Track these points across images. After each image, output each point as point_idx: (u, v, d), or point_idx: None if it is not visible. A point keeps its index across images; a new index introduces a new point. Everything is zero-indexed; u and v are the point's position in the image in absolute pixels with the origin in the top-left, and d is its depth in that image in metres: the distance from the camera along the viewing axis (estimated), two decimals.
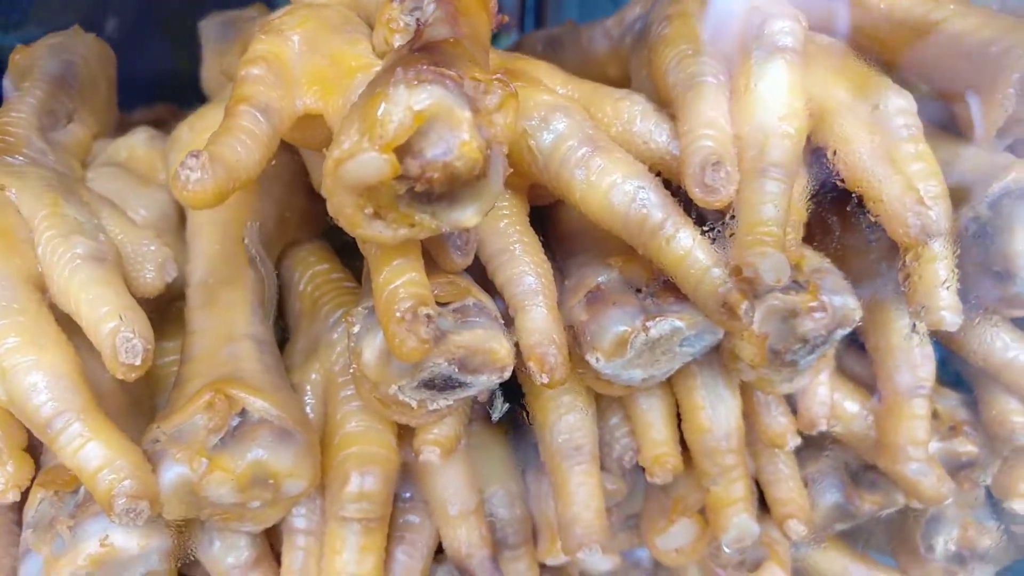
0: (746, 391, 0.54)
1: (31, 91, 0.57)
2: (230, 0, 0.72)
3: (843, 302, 0.47)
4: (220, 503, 0.43)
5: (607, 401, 0.53)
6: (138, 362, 0.41)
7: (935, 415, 0.59)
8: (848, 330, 0.48)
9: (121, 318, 0.41)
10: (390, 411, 0.46)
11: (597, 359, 0.45)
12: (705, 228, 0.42)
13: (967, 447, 0.59)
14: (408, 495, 0.52)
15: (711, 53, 0.46)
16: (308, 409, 0.49)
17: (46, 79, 0.58)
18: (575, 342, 0.46)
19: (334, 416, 0.48)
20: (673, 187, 0.44)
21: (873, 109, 0.46)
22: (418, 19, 0.42)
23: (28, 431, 0.42)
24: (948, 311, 0.47)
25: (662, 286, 0.46)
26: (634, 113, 0.47)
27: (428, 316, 0.38)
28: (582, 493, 0.49)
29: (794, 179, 0.43)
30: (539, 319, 0.44)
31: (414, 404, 0.44)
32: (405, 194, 0.35)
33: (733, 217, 0.42)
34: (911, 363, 0.53)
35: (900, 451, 0.53)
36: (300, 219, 0.58)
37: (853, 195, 0.47)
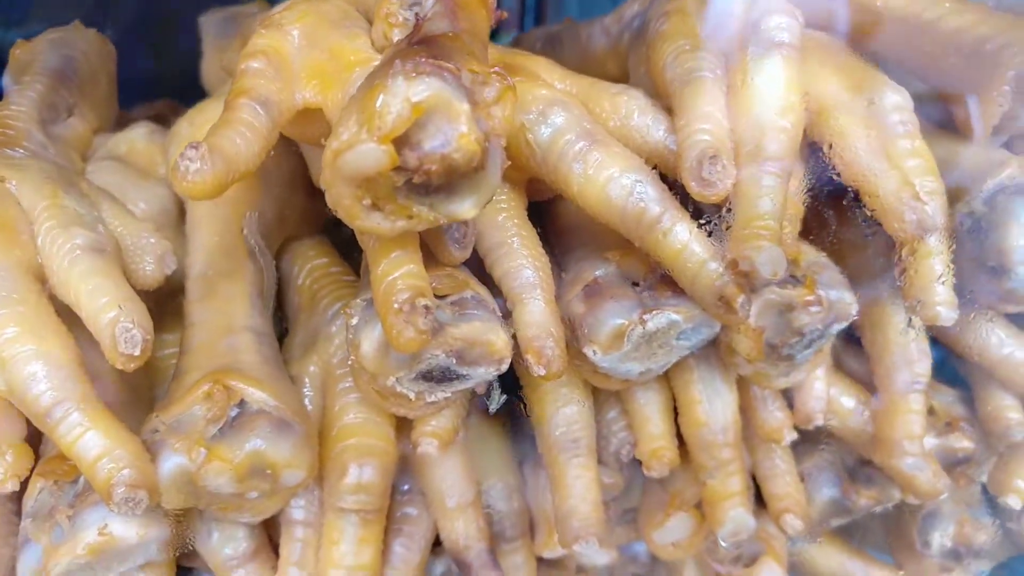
0: (743, 386, 0.54)
1: (31, 85, 0.57)
2: None
3: (839, 296, 0.47)
4: (218, 493, 0.43)
5: (604, 395, 0.54)
6: (137, 352, 0.41)
7: (931, 411, 0.59)
8: (844, 325, 0.48)
9: (120, 308, 0.41)
10: (388, 403, 0.46)
11: (594, 352, 0.45)
12: (702, 221, 0.43)
13: (963, 443, 0.59)
14: (406, 487, 0.52)
15: (708, 48, 0.47)
16: (306, 401, 0.49)
17: (46, 73, 0.58)
18: (572, 335, 0.46)
19: (332, 408, 0.49)
20: (669, 181, 0.44)
21: (869, 104, 0.47)
22: (417, 14, 0.43)
23: (28, 421, 0.42)
24: (944, 306, 0.47)
25: (659, 280, 0.46)
26: (631, 108, 0.47)
27: (426, 307, 0.38)
28: (579, 486, 0.49)
29: (790, 173, 0.44)
30: (537, 312, 0.44)
31: (412, 396, 0.44)
32: (403, 186, 0.36)
33: (730, 211, 0.42)
34: (907, 358, 0.53)
35: (896, 446, 0.53)
36: (300, 217, 0.59)
37: (849, 190, 0.47)
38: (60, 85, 0.59)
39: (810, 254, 0.49)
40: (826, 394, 0.55)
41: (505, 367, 0.44)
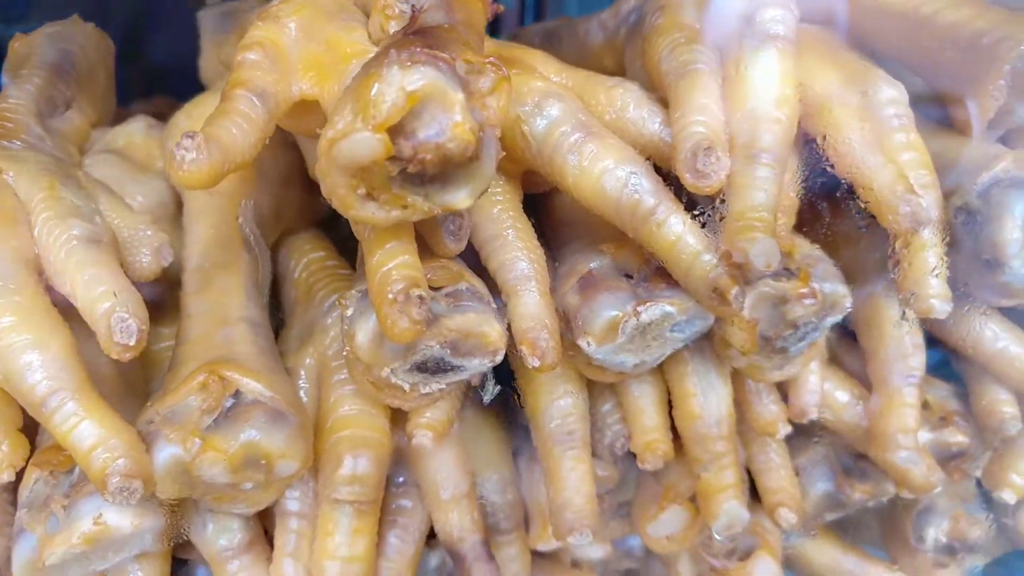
0: (738, 379, 0.54)
1: (29, 78, 0.57)
2: None
3: (833, 289, 0.48)
4: (213, 483, 0.43)
5: (599, 388, 0.54)
6: (133, 342, 0.41)
7: (926, 405, 0.59)
8: (839, 317, 0.49)
9: (116, 297, 0.41)
10: (383, 394, 0.46)
11: (588, 344, 0.46)
12: (695, 213, 0.43)
13: (958, 437, 0.59)
14: (401, 480, 0.52)
15: (704, 41, 0.47)
16: (302, 393, 0.49)
17: (44, 67, 0.59)
18: (567, 327, 0.46)
19: (327, 400, 0.49)
20: (664, 173, 0.44)
21: (862, 96, 0.47)
22: (413, 6, 0.43)
23: (23, 411, 0.42)
24: (937, 299, 0.47)
25: (654, 272, 0.46)
26: (627, 100, 0.47)
27: (420, 297, 0.38)
28: (573, 478, 0.49)
29: (785, 165, 0.44)
30: (531, 304, 0.44)
31: (407, 387, 0.45)
32: (398, 175, 0.36)
33: (723, 202, 0.43)
34: (901, 352, 0.53)
35: (890, 439, 0.53)
36: (296, 212, 0.59)
37: (843, 183, 0.47)
38: (58, 79, 0.59)
39: (804, 247, 0.49)
40: (820, 388, 0.55)
41: (499, 359, 0.44)
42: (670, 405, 0.53)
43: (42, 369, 0.40)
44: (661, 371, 0.53)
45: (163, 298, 0.54)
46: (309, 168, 0.55)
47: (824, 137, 0.47)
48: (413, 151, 0.35)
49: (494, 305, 0.45)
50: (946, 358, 0.61)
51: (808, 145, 0.48)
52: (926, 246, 0.47)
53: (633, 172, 0.43)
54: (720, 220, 0.42)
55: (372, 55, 0.39)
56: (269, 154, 0.57)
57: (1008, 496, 0.60)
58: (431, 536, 0.53)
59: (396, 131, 0.34)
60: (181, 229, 0.54)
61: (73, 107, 0.60)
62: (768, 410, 0.54)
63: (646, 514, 0.57)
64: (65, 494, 0.43)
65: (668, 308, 0.45)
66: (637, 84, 0.48)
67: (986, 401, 0.59)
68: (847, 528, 0.65)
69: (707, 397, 0.52)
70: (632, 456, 0.53)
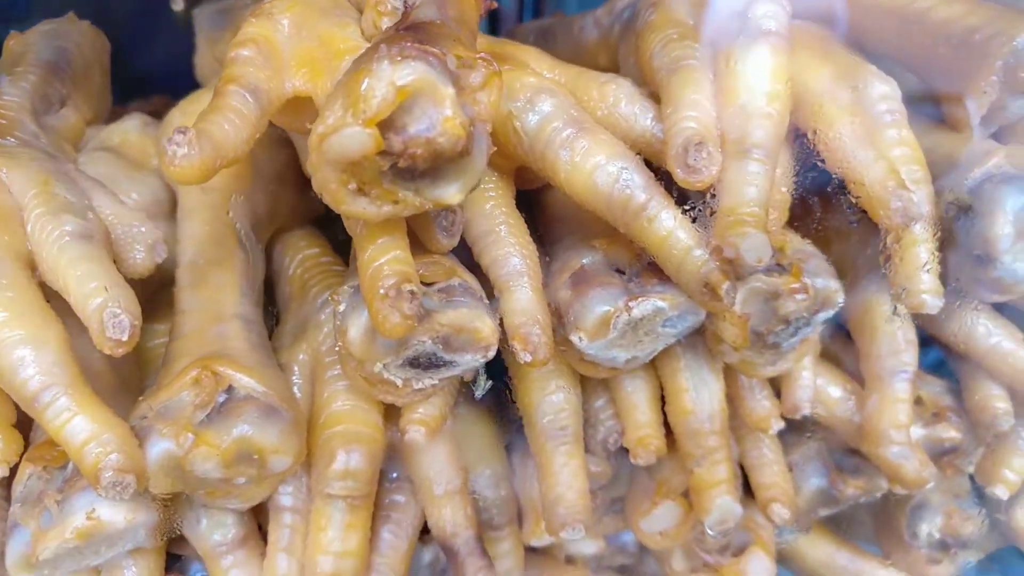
0: (730, 375, 0.54)
1: (24, 75, 0.57)
2: None
3: (825, 284, 0.48)
4: (206, 478, 0.43)
5: (592, 384, 0.54)
6: (125, 337, 0.41)
7: (919, 401, 0.59)
8: (831, 313, 0.49)
9: (107, 291, 0.41)
10: (376, 390, 0.46)
11: (580, 339, 0.46)
12: (686, 207, 0.43)
13: (950, 433, 0.59)
14: (394, 475, 0.52)
15: (696, 37, 0.47)
16: (295, 389, 0.49)
17: (39, 64, 0.59)
18: (559, 322, 0.47)
19: (321, 395, 0.49)
20: (655, 168, 0.44)
21: (854, 91, 0.47)
22: (406, 2, 0.43)
23: (17, 406, 0.42)
24: (929, 294, 0.47)
25: (645, 267, 0.46)
26: (619, 96, 0.47)
27: (412, 293, 0.39)
28: (566, 473, 0.49)
29: (776, 161, 0.44)
30: (523, 299, 0.44)
31: (399, 382, 0.45)
32: (389, 170, 0.36)
33: (715, 197, 0.43)
34: (894, 347, 0.54)
35: (882, 435, 0.53)
36: (291, 210, 0.59)
37: (835, 178, 0.47)
38: (53, 76, 0.59)
39: (796, 242, 0.49)
40: (813, 383, 0.55)
41: (492, 354, 0.45)
42: (663, 401, 0.54)
43: (35, 364, 0.40)
44: (654, 367, 0.53)
45: (157, 295, 0.54)
46: (304, 165, 0.55)
47: (815, 132, 0.47)
48: (403, 146, 0.35)
49: (486, 301, 0.45)
50: (941, 357, 0.61)
51: (800, 140, 0.48)
52: (918, 241, 0.47)
53: (625, 167, 0.43)
54: (711, 215, 0.42)
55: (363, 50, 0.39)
56: (264, 152, 0.57)
57: (1001, 492, 0.60)
58: (424, 531, 0.53)
59: (386, 126, 0.34)
60: (176, 226, 0.54)
61: (68, 104, 0.60)
62: (761, 406, 0.54)
63: (639, 509, 0.57)
64: (59, 489, 0.43)
65: (660, 303, 0.45)
66: (629, 80, 0.49)
67: (979, 397, 0.59)
68: (840, 524, 0.65)
69: (699, 393, 0.52)
70: (625, 452, 0.53)
